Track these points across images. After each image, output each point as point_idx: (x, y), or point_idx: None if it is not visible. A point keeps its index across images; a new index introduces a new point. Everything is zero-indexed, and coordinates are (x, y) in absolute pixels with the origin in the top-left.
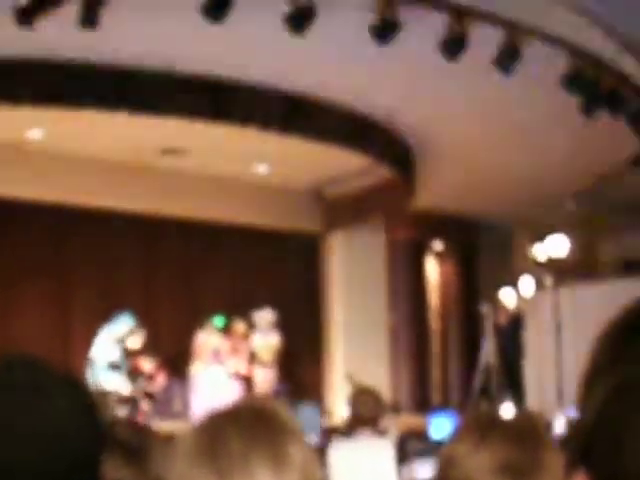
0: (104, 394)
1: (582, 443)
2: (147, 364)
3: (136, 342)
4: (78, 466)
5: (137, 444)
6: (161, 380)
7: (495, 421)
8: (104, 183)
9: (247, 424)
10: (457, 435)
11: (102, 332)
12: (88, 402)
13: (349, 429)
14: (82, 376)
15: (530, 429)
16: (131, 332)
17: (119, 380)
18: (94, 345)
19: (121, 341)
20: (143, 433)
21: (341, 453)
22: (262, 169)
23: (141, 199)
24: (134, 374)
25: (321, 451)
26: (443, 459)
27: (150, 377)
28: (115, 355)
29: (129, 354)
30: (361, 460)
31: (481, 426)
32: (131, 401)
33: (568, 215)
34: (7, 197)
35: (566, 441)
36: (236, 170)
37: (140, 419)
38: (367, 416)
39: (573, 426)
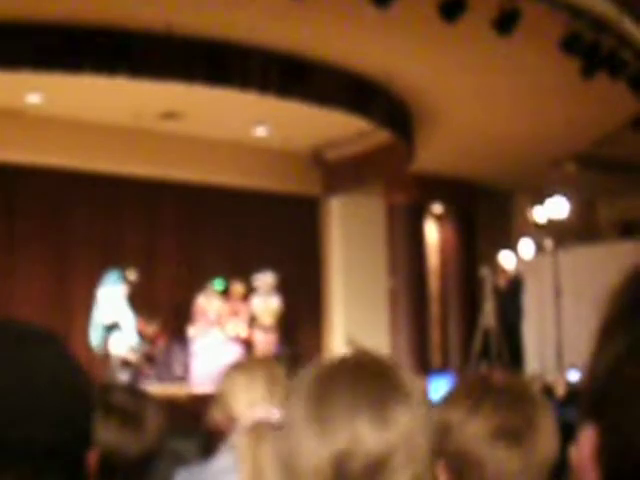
0: (105, 357)
1: (593, 398)
2: (149, 327)
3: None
4: (67, 424)
5: (134, 409)
6: (162, 343)
7: (488, 386)
8: (103, 147)
9: (361, 377)
10: (451, 401)
11: (100, 293)
12: (73, 360)
13: None
14: (84, 339)
15: (523, 392)
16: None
17: (120, 343)
18: (95, 307)
19: (119, 302)
20: (140, 398)
21: None
22: (261, 132)
23: (140, 163)
24: (136, 337)
25: None
26: (438, 427)
27: (151, 340)
28: (115, 317)
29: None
30: None
31: (474, 392)
32: (132, 364)
33: (567, 177)
34: (6, 162)
35: (577, 396)
36: (235, 133)
37: (140, 383)
38: None
39: (584, 381)
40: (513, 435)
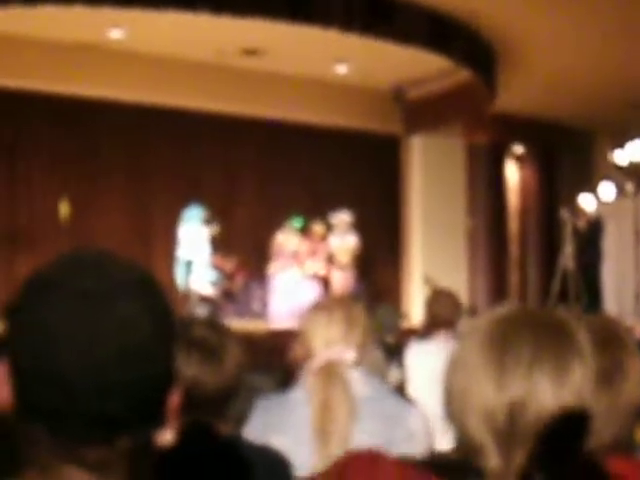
0: (186, 293)
1: None
2: (227, 263)
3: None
4: (153, 373)
5: (215, 343)
6: (241, 280)
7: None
8: (184, 83)
9: (543, 331)
10: None
11: (181, 231)
12: (161, 303)
13: (426, 330)
14: (163, 273)
15: (612, 334)
16: (206, 223)
17: (200, 279)
18: (177, 243)
19: (198, 239)
20: (221, 332)
21: (417, 354)
22: (342, 70)
23: (221, 99)
24: (215, 273)
25: (398, 352)
26: None
27: (230, 276)
28: (195, 254)
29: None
30: (437, 361)
31: None
32: (211, 300)
33: None
34: (88, 97)
35: None
36: (316, 71)
37: (219, 318)
38: (443, 318)
39: None
40: (602, 377)
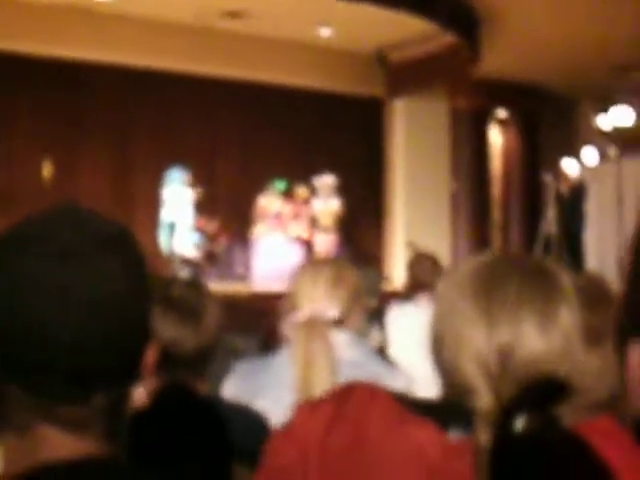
0: (169, 255)
1: (637, 316)
2: (210, 226)
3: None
4: (129, 329)
5: (194, 303)
6: (223, 242)
7: None
8: (167, 46)
9: (528, 275)
10: None
11: (164, 193)
12: (137, 260)
13: (407, 293)
14: (145, 235)
15: (599, 292)
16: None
17: (182, 241)
18: (160, 205)
19: (181, 201)
20: (200, 292)
21: (398, 317)
22: (325, 32)
23: (203, 62)
24: (198, 235)
25: (380, 314)
26: None
27: (213, 238)
28: (177, 216)
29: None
30: (418, 323)
31: None
32: (194, 262)
33: (634, 85)
34: (72, 59)
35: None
36: (299, 33)
37: (201, 280)
38: (425, 280)
39: (627, 299)
40: (593, 336)
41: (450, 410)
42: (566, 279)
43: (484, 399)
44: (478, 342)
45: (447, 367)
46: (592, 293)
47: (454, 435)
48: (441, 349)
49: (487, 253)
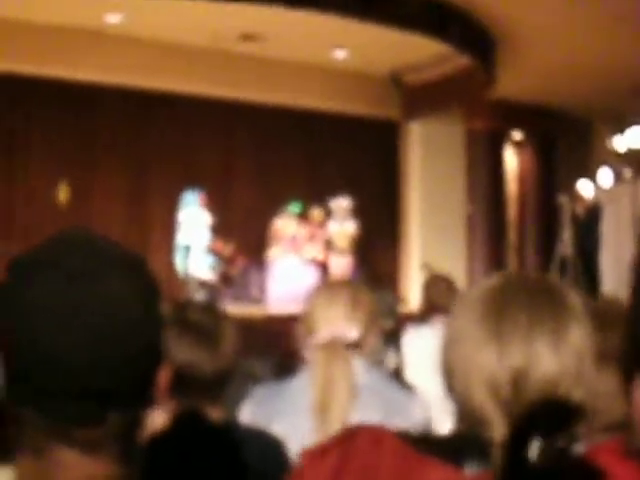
0: (185, 278)
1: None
2: (226, 248)
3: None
4: (140, 350)
5: (210, 326)
6: (239, 265)
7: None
8: (181, 68)
9: (536, 295)
10: None
11: (180, 215)
12: (148, 283)
13: (422, 315)
14: (161, 258)
15: (615, 314)
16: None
17: (198, 264)
18: (176, 228)
19: (196, 221)
20: (217, 316)
21: (414, 339)
22: (341, 55)
23: (219, 85)
24: (214, 258)
25: (396, 336)
26: None
27: (229, 261)
28: (193, 239)
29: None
30: (433, 346)
31: None
32: (210, 285)
33: None
34: (85, 81)
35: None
36: (315, 56)
37: (217, 302)
38: (440, 302)
39: (629, 336)
40: (606, 358)
41: (464, 444)
42: (574, 297)
43: (499, 430)
44: (489, 366)
45: (459, 397)
46: (607, 314)
47: (470, 470)
48: (452, 378)
49: (492, 275)
